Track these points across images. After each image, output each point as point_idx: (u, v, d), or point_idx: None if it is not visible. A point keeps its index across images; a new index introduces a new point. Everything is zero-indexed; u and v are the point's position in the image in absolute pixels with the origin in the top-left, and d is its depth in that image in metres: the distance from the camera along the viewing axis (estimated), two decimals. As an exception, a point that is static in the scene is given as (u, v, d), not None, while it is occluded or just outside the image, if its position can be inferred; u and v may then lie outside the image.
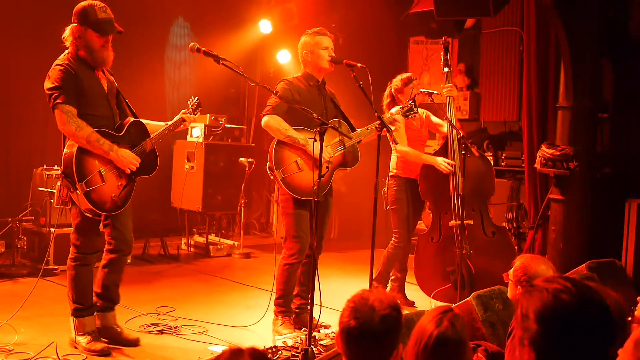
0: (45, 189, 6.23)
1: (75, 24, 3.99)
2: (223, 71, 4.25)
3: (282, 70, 9.00)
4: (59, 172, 3.99)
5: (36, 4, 7.29)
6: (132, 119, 4.28)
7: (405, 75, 5.60)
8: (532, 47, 6.76)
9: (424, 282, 5.46)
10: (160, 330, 4.63)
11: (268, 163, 4.48)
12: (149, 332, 4.57)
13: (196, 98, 4.59)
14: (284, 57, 9.08)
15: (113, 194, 4.04)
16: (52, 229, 6.19)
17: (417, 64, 8.89)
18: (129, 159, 4.06)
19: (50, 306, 5.09)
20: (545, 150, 6.16)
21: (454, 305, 4.19)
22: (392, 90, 5.55)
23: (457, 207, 5.20)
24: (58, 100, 3.88)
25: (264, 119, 4.46)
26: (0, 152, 7.36)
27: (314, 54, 4.62)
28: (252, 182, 8.73)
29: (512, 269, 3.27)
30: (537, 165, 6.32)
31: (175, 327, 4.72)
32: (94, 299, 4.23)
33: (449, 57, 5.53)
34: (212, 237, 8.07)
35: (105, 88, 4.15)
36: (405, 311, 2.40)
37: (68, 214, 6.18)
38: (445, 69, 5.49)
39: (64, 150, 3.99)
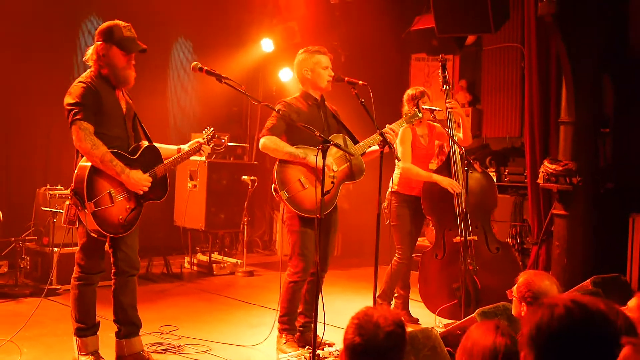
0: (49, 209, 6.24)
1: (100, 42, 3.98)
2: (225, 90, 4.26)
3: (284, 88, 9.04)
4: (69, 190, 3.95)
5: (37, 24, 7.35)
6: (147, 143, 4.25)
7: (411, 92, 5.60)
8: (533, 63, 6.78)
9: (429, 299, 5.44)
10: (163, 350, 4.61)
11: (273, 185, 4.46)
12: (153, 352, 4.55)
13: (211, 129, 4.55)
14: (286, 76, 9.12)
15: (120, 217, 3.99)
16: (55, 249, 6.20)
17: (418, 81, 8.92)
18: (140, 181, 4.02)
19: (53, 326, 5.07)
20: (547, 166, 6.16)
21: (458, 322, 4.18)
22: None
23: (461, 224, 5.19)
24: (77, 117, 3.85)
25: (261, 142, 4.46)
26: (2, 172, 7.38)
27: (315, 73, 4.61)
28: (255, 200, 8.74)
29: (516, 285, 3.26)
30: (540, 181, 6.31)
31: (179, 346, 4.70)
32: (97, 319, 4.19)
33: (446, 74, 5.54)
34: (215, 256, 8.06)
35: (124, 109, 4.13)
36: (410, 328, 2.38)
37: (73, 233, 6.19)
38: (445, 87, 5.49)
39: (76, 168, 3.95)
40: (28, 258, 6.33)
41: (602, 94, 6.42)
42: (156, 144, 4.34)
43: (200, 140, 4.47)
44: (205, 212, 7.84)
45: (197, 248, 8.32)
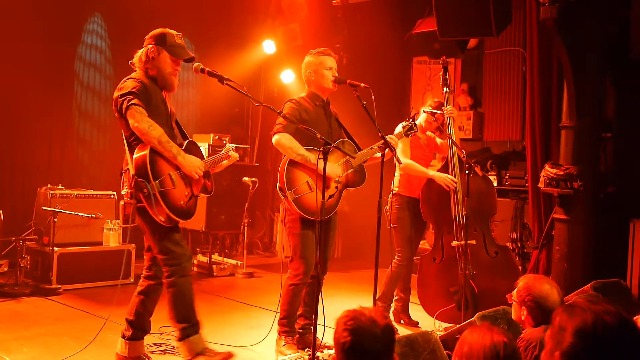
0: (49, 208, 6.24)
1: (152, 45, 4.01)
2: (227, 91, 4.27)
3: (286, 90, 9.05)
4: (130, 181, 3.84)
5: (40, 24, 7.36)
6: (189, 140, 4.24)
7: (433, 102, 5.66)
8: (535, 67, 6.78)
9: (427, 302, 5.45)
10: (163, 350, 4.61)
11: (278, 184, 4.44)
12: (152, 352, 4.54)
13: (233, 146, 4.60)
14: (287, 77, 9.13)
15: (182, 202, 3.95)
16: (56, 249, 6.20)
17: (420, 84, 8.93)
18: (195, 164, 4.00)
19: (52, 325, 5.08)
20: (549, 170, 6.16)
21: (457, 325, 4.18)
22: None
23: (459, 227, 5.20)
24: (133, 102, 3.81)
25: (276, 137, 4.43)
26: (4, 172, 7.39)
27: (318, 74, 4.62)
28: (256, 201, 8.74)
29: (516, 289, 3.26)
30: (540, 185, 6.31)
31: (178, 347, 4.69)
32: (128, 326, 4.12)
33: (448, 77, 5.56)
34: (216, 257, 8.06)
35: (170, 109, 4.17)
36: (409, 332, 2.39)
37: (69, 233, 6.19)
38: (445, 89, 5.51)
39: (135, 155, 3.85)
40: (28, 257, 6.33)
41: (604, 99, 6.42)
42: None
43: (230, 146, 4.50)
44: (205, 213, 7.85)
45: (198, 249, 8.33)
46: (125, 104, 3.82)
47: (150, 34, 4.07)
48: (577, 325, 1.78)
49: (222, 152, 4.40)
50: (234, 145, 4.66)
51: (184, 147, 4.08)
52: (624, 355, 1.75)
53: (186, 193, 4.00)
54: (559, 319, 1.84)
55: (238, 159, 4.57)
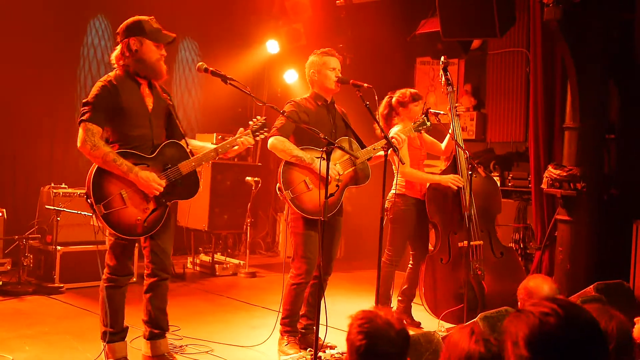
0: (52, 207, 6.25)
1: (131, 37, 3.91)
2: (230, 91, 4.26)
3: (289, 90, 9.05)
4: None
5: (43, 25, 7.37)
6: (169, 141, 4.07)
7: (413, 90, 5.59)
8: (539, 68, 6.77)
9: (433, 303, 5.38)
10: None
11: (278, 184, 4.46)
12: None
13: (263, 118, 4.27)
14: (291, 77, 9.14)
15: (138, 218, 3.85)
16: (59, 247, 6.21)
17: (423, 85, 8.93)
18: (149, 181, 3.83)
19: (55, 324, 5.09)
20: (552, 171, 6.15)
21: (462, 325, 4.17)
22: (394, 101, 5.52)
23: (472, 227, 5.17)
24: (84, 117, 3.78)
25: (270, 141, 4.44)
26: (7, 170, 7.40)
27: (321, 74, 4.62)
28: (259, 201, 8.74)
29: (518, 290, 3.25)
30: (544, 186, 6.30)
31: (181, 346, 4.70)
32: (125, 325, 4.11)
33: (449, 76, 5.54)
34: (218, 256, 8.06)
35: (149, 107, 4.00)
36: (411, 332, 2.38)
37: (72, 231, 6.21)
38: (449, 89, 5.48)
39: (89, 173, 3.85)
40: (31, 256, 6.35)
41: (607, 100, 6.41)
42: (194, 142, 4.24)
43: (243, 130, 4.21)
44: (208, 212, 7.85)
45: (200, 249, 8.33)
46: (79, 117, 3.81)
47: (123, 26, 3.96)
48: (525, 336, 1.68)
49: (224, 142, 4.18)
50: (257, 123, 4.23)
51: (156, 153, 3.94)
52: (584, 353, 1.65)
53: (145, 208, 3.88)
54: (507, 332, 1.76)
55: (253, 144, 4.30)
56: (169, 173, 3.96)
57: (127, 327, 4.11)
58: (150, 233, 3.95)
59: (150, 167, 3.90)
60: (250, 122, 4.22)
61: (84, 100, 3.86)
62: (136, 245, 4.08)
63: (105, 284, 4.00)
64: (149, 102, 4.02)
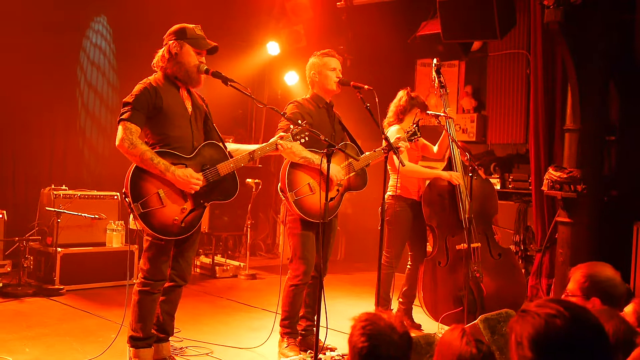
0: (53, 209, 6.25)
1: (173, 41, 3.93)
2: (231, 92, 4.26)
3: (290, 91, 9.06)
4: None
5: (43, 26, 7.36)
6: (208, 142, 4.06)
7: (412, 94, 5.58)
8: (539, 70, 6.78)
9: (432, 306, 5.39)
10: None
11: (279, 185, 4.44)
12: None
13: (304, 122, 4.12)
14: (291, 79, 9.14)
15: (175, 218, 3.80)
16: (59, 249, 6.21)
17: (423, 86, 8.93)
18: (187, 179, 3.78)
19: (55, 326, 5.08)
20: (552, 173, 6.15)
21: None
22: (417, 102, 5.52)
23: (470, 229, 5.17)
24: (123, 117, 3.76)
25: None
26: (7, 172, 7.40)
27: (322, 75, 4.61)
28: (259, 203, 8.74)
29: (571, 281, 3.00)
30: (544, 188, 6.30)
31: (181, 348, 4.69)
32: (153, 331, 4.08)
33: (442, 78, 5.53)
34: (218, 258, 8.06)
35: (189, 109, 4.02)
36: (412, 334, 2.38)
37: (73, 233, 6.21)
38: (442, 91, 5.48)
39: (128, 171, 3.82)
40: (31, 258, 6.35)
41: (608, 102, 6.41)
42: (233, 145, 4.23)
43: (283, 134, 4.16)
44: (208, 214, 7.85)
45: (200, 250, 8.32)
46: (119, 117, 3.80)
47: (169, 31, 4.00)
48: (530, 336, 1.70)
49: (264, 144, 4.17)
50: (298, 126, 4.07)
51: (194, 153, 3.92)
52: (588, 354, 1.67)
53: (183, 208, 3.85)
54: (513, 332, 1.77)
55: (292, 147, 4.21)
56: (207, 174, 3.92)
57: (155, 335, 4.07)
58: (186, 234, 3.90)
59: (188, 167, 3.87)
60: (291, 126, 4.13)
61: (124, 100, 3.84)
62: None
63: (139, 288, 3.93)
64: (188, 105, 4.04)
